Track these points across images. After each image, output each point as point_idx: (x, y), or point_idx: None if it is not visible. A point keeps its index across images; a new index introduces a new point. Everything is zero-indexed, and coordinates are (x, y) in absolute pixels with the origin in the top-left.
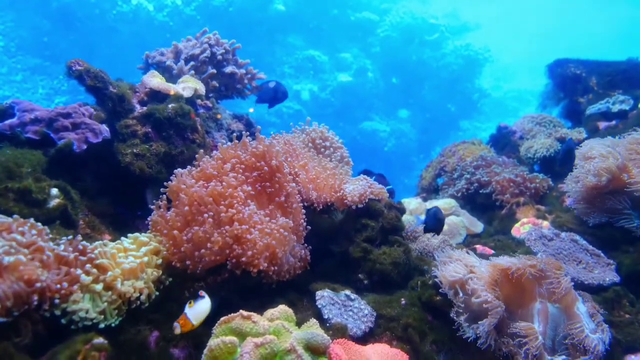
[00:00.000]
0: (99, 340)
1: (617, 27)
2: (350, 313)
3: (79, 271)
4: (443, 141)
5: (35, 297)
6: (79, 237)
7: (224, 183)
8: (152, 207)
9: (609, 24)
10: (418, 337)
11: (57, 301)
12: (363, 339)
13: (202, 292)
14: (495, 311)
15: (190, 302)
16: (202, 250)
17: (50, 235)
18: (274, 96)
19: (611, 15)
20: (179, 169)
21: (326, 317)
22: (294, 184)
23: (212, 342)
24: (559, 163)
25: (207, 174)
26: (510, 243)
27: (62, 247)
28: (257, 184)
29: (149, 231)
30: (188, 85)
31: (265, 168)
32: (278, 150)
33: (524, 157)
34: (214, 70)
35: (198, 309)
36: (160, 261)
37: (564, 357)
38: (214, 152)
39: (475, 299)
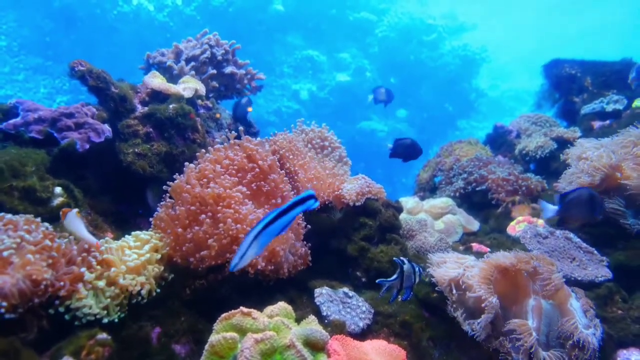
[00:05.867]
0: (103, 335)
1: (614, 27)
2: (349, 310)
3: (83, 269)
4: (440, 140)
5: (41, 295)
6: None
7: (219, 186)
8: (153, 205)
9: (606, 24)
10: (416, 334)
11: (57, 302)
12: (361, 335)
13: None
14: (490, 307)
15: (79, 212)
16: (204, 252)
17: (56, 233)
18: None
19: (608, 15)
20: (190, 164)
21: (325, 313)
22: (289, 187)
23: (213, 337)
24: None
25: (206, 174)
26: (505, 241)
27: (69, 245)
28: (253, 183)
29: (151, 229)
30: (189, 86)
31: (259, 168)
32: (267, 150)
33: (519, 156)
34: (214, 71)
35: (77, 224)
36: (159, 256)
37: (557, 352)
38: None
39: (470, 293)
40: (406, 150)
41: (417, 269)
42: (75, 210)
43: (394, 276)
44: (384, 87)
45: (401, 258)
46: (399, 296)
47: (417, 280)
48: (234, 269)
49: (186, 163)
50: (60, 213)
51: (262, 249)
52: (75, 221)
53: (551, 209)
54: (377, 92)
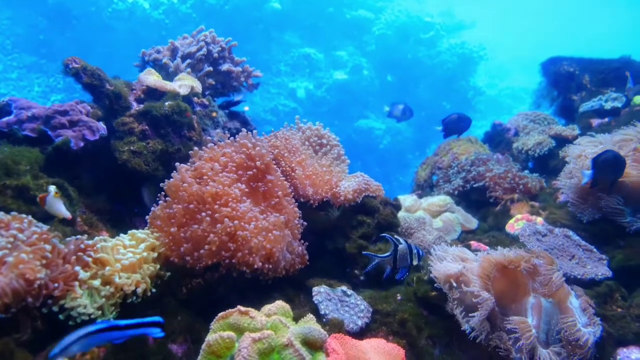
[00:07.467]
0: None
1: (613, 24)
2: (347, 308)
3: (77, 268)
4: (438, 139)
5: (35, 295)
6: (84, 237)
7: (217, 184)
8: (149, 204)
9: (605, 21)
10: (414, 332)
11: (50, 302)
12: (359, 334)
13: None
14: (485, 303)
15: (57, 193)
16: (202, 251)
17: (49, 232)
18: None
19: (607, 12)
20: (181, 164)
21: (323, 312)
22: (287, 184)
23: (210, 337)
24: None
25: (202, 173)
26: (504, 239)
27: (63, 245)
28: (251, 182)
29: (147, 227)
30: (184, 83)
31: (256, 168)
32: (263, 151)
33: (517, 154)
34: (211, 68)
35: (58, 206)
36: (155, 255)
37: (557, 348)
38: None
39: (467, 289)
40: (457, 125)
41: (415, 250)
42: (53, 191)
43: (387, 253)
44: (402, 104)
45: (396, 237)
46: (394, 275)
47: (417, 262)
48: (51, 356)
49: (177, 164)
50: (38, 200)
51: (88, 348)
52: (55, 202)
53: (587, 173)
54: (394, 108)
